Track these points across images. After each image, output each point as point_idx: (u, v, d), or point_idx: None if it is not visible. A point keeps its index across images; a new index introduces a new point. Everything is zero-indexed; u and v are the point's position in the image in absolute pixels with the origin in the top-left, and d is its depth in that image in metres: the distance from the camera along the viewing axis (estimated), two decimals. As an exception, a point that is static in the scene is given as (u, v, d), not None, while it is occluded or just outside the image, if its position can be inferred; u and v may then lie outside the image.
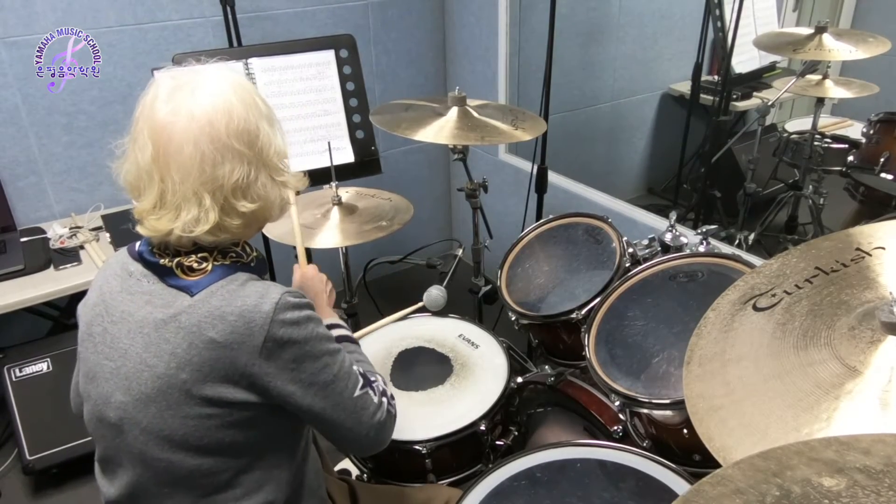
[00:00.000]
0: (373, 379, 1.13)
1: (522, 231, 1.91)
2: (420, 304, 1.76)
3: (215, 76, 0.98)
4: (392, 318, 1.73)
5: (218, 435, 0.98)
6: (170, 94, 0.95)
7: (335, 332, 1.19)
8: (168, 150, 0.93)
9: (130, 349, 0.97)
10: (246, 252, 1.05)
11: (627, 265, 1.59)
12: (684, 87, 2.85)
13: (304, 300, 1.01)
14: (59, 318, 2.34)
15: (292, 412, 1.02)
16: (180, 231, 0.95)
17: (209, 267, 0.99)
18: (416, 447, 1.44)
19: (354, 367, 1.08)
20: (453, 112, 1.77)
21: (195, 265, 0.98)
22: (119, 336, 0.99)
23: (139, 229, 0.99)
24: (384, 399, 1.12)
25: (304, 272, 1.40)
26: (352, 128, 2.08)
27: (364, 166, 2.10)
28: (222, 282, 0.98)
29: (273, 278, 1.08)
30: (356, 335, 1.60)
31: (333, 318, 1.29)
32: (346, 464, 1.86)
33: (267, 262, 1.12)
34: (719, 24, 2.61)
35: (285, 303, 0.97)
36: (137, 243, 1.05)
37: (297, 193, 1.51)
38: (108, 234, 2.23)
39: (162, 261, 0.99)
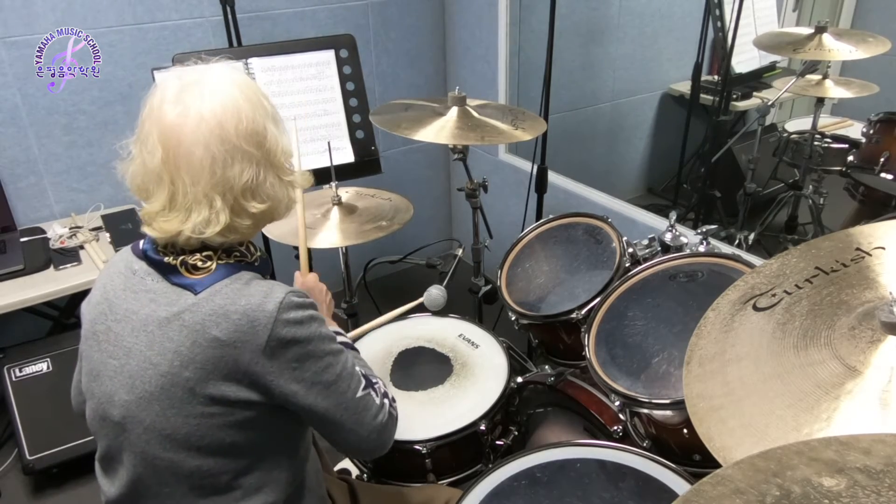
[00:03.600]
0: (374, 381, 1.13)
1: (522, 231, 1.91)
2: (419, 301, 1.75)
3: (221, 76, 0.98)
4: (390, 315, 1.71)
5: (219, 435, 0.98)
6: (177, 96, 0.94)
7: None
8: (178, 153, 0.93)
9: (134, 347, 0.98)
10: (250, 252, 1.05)
11: (627, 265, 1.59)
12: (684, 86, 2.85)
13: (307, 300, 1.02)
14: (59, 318, 2.34)
15: (294, 412, 1.02)
16: (190, 232, 0.95)
17: (213, 266, 0.99)
18: (416, 447, 1.44)
19: (357, 368, 1.08)
20: (453, 112, 1.77)
21: (199, 264, 0.99)
22: (123, 334, 0.99)
23: (146, 230, 0.99)
24: (386, 401, 1.12)
25: (305, 281, 1.40)
26: (352, 128, 2.08)
27: (364, 166, 2.10)
28: (226, 280, 0.98)
29: (273, 279, 1.08)
30: (355, 333, 1.60)
31: (333, 327, 1.29)
32: (345, 463, 1.86)
33: (270, 262, 1.12)
34: (719, 23, 2.61)
35: (289, 302, 0.97)
36: (141, 241, 1.05)
37: (304, 191, 1.50)
38: (108, 234, 2.24)
39: (166, 259, 0.99)
